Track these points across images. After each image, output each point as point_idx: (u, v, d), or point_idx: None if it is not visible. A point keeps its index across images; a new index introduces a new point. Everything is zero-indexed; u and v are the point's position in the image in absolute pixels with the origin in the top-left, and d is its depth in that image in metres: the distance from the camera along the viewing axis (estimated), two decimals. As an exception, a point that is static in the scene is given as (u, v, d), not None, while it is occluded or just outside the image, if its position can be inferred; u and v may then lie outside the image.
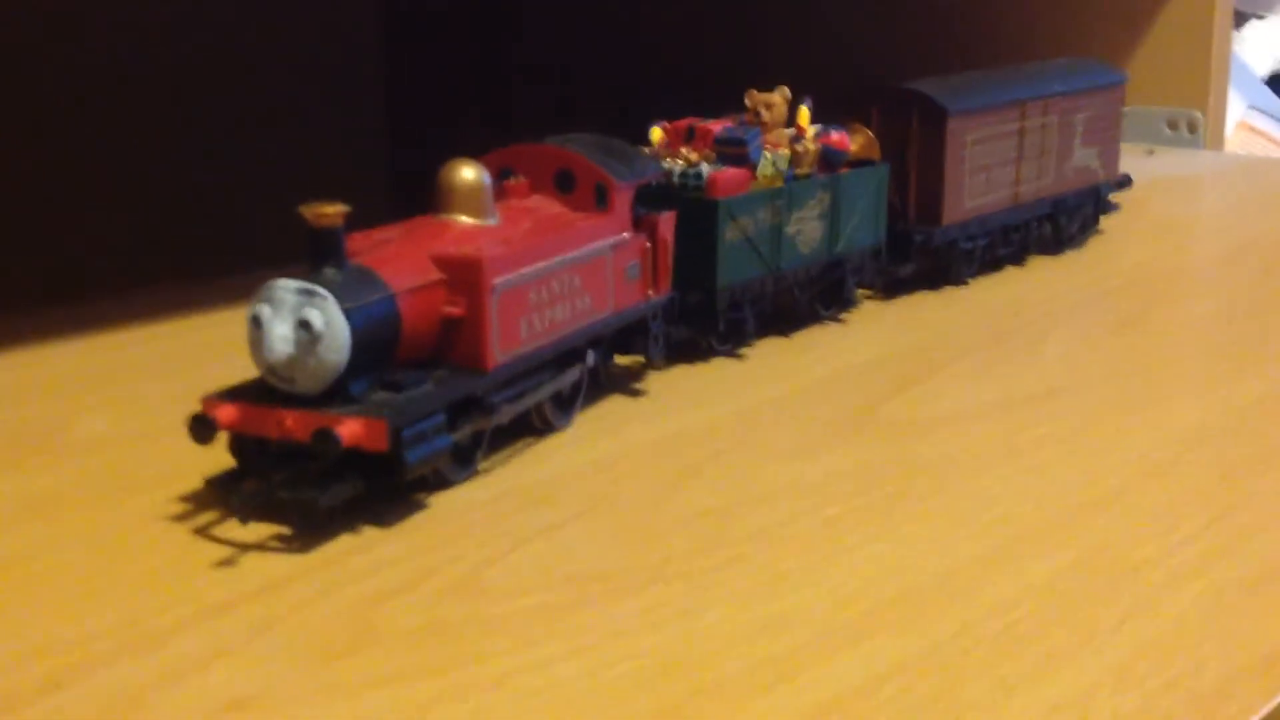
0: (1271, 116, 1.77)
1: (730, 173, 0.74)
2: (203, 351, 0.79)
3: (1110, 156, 1.01)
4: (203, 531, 0.55)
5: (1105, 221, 1.04)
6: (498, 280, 0.59)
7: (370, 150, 1.83)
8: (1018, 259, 0.96)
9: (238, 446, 0.56)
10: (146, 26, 1.59)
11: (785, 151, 0.77)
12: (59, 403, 0.72)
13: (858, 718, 0.43)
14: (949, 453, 0.64)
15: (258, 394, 0.55)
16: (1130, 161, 1.15)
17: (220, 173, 1.63)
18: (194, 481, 0.58)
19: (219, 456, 0.56)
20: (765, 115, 0.78)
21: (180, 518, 0.56)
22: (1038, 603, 0.50)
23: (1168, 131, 1.41)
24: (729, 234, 0.74)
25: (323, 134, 1.76)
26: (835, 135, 0.80)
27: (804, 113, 0.79)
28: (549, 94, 1.77)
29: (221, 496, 0.56)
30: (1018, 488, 0.60)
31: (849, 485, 0.60)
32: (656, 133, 0.77)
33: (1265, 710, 0.44)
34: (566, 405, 0.66)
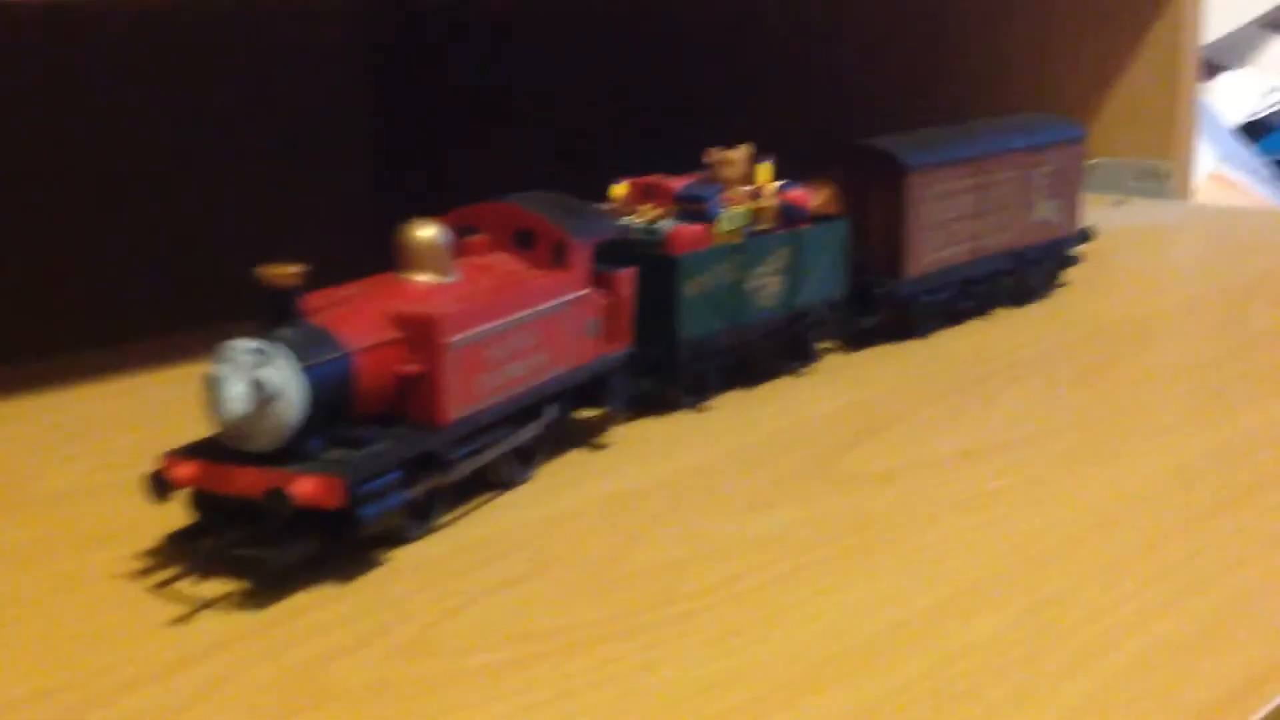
0: (1243, 168, 1.79)
1: (690, 229, 0.75)
2: (178, 404, 0.79)
3: (1071, 210, 1.03)
4: (159, 588, 0.55)
5: (1069, 273, 1.05)
6: (453, 338, 0.59)
7: (358, 198, 1.84)
8: (981, 311, 0.97)
9: (198, 501, 0.57)
10: (130, 70, 1.60)
11: (745, 208, 0.78)
12: (30, 455, 0.72)
13: (799, 773, 0.43)
14: (905, 505, 0.65)
15: (215, 451, 0.56)
16: (1099, 212, 1.16)
17: (206, 221, 1.63)
18: (156, 536, 0.58)
19: (184, 511, 0.57)
20: (726, 172, 0.79)
21: (138, 573, 0.56)
22: (984, 655, 0.50)
23: (1137, 182, 1.42)
24: (689, 289, 0.75)
25: (311, 184, 1.77)
26: (795, 191, 0.81)
27: (764, 169, 0.80)
28: (530, 136, 1.78)
29: (180, 552, 0.56)
30: (971, 540, 0.61)
31: (804, 538, 0.61)
32: (619, 189, 0.78)
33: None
34: (526, 460, 0.67)
